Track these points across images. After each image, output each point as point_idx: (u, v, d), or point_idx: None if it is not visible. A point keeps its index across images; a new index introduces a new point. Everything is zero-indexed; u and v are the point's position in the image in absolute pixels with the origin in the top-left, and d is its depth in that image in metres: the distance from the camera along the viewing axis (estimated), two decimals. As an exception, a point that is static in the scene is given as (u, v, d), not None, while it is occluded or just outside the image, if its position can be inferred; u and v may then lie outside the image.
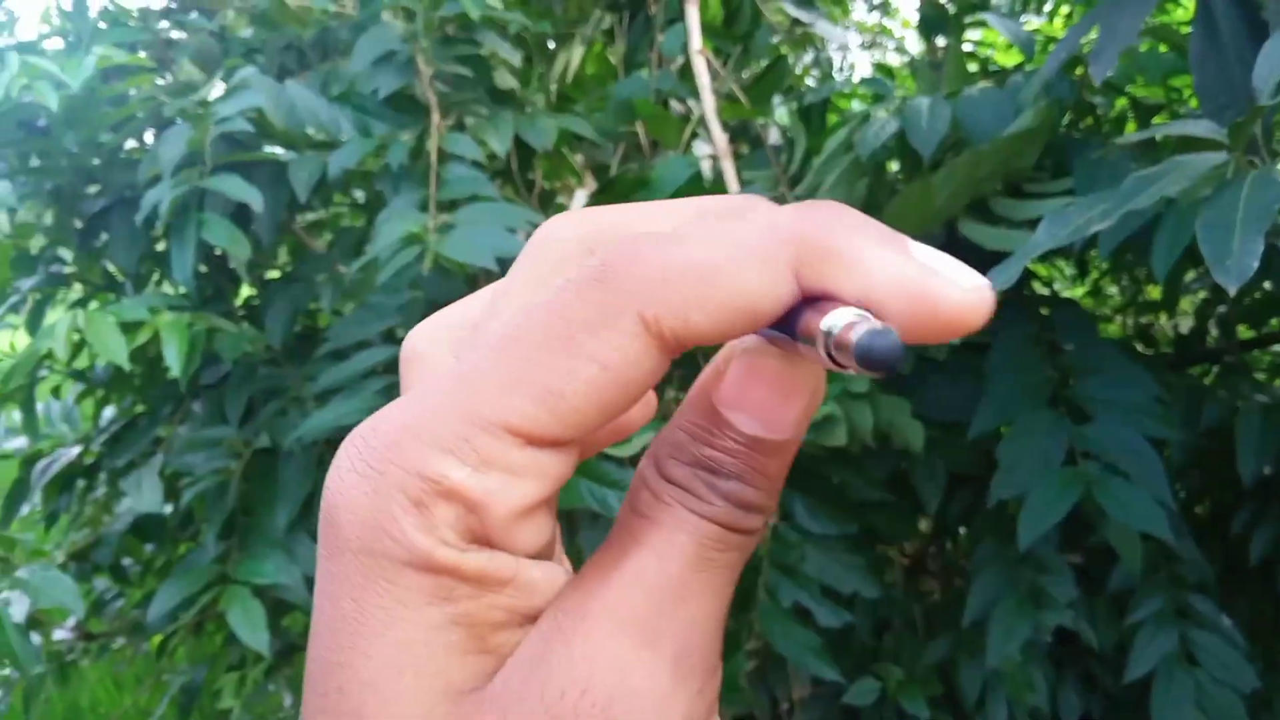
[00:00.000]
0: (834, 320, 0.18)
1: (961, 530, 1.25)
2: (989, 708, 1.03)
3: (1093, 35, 0.76)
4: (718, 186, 0.91)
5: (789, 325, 0.20)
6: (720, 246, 0.19)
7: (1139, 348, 1.23)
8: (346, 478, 0.20)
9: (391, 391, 0.83)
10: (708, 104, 0.89)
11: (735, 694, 0.96)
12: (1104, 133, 0.95)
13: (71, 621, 1.10)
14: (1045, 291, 1.10)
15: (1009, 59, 1.12)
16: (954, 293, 0.19)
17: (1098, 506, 0.81)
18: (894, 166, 0.96)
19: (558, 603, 0.21)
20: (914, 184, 0.77)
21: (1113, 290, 1.36)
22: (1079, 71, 0.86)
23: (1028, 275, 0.99)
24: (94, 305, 0.82)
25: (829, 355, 0.18)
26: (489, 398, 0.20)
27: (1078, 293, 1.30)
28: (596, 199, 0.91)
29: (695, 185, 0.87)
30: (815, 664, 0.88)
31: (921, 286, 0.19)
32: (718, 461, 0.20)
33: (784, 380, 0.21)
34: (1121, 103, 1.01)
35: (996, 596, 0.93)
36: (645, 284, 0.19)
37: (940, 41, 1.03)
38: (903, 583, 1.21)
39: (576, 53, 1.04)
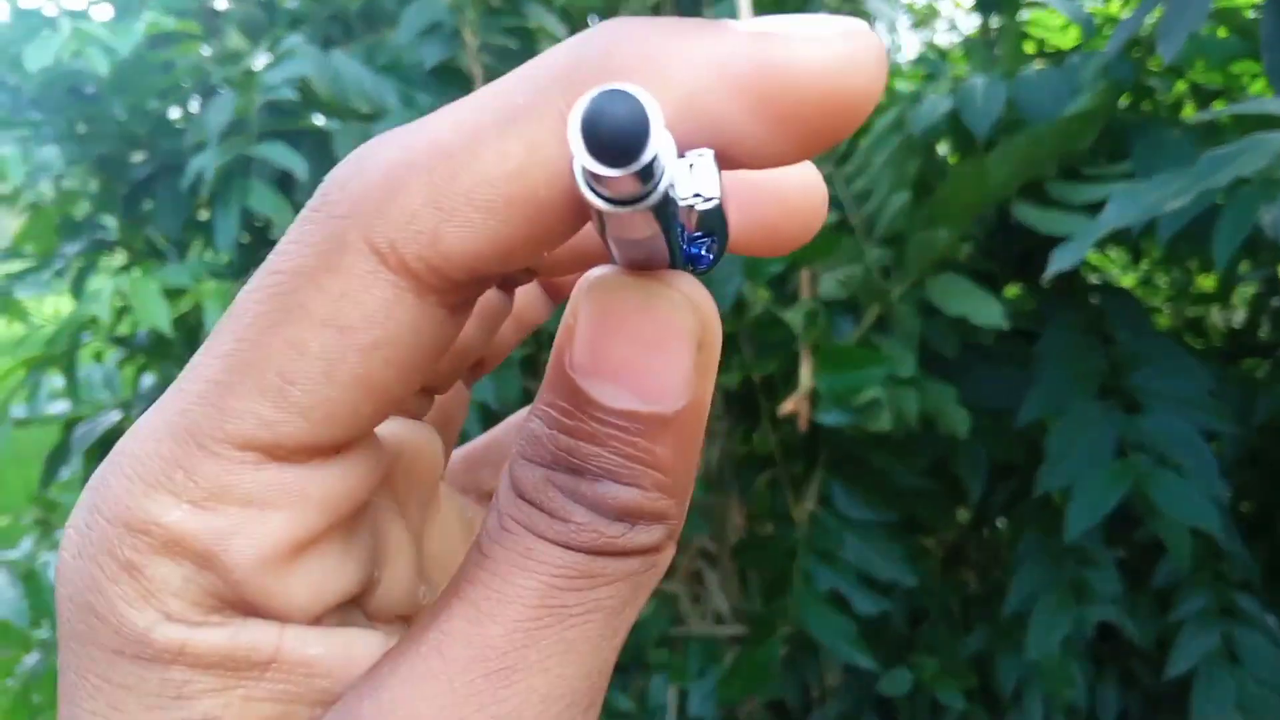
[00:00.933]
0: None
1: (1000, 521, 1.23)
2: (1025, 702, 1.01)
3: (1155, 16, 0.74)
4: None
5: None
6: (461, 121, 0.13)
7: (1190, 340, 1.21)
8: (67, 537, 0.15)
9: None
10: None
11: (767, 679, 0.95)
12: (1162, 117, 0.92)
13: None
14: (1096, 281, 1.08)
15: (1063, 40, 1.10)
16: (804, 48, 0.12)
17: (1147, 500, 0.79)
18: (941, 150, 0.94)
19: (356, 687, 0.15)
20: (967, 164, 0.75)
21: (1163, 282, 1.33)
22: (1135, 54, 0.83)
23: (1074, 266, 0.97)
24: (137, 272, 0.82)
25: (591, 190, 0.12)
26: (204, 402, 0.14)
27: (1128, 282, 1.28)
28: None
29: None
30: (850, 651, 0.87)
31: (755, 58, 0.12)
32: (581, 455, 0.14)
33: (654, 321, 0.14)
34: (1180, 87, 0.98)
35: (1038, 589, 0.92)
36: (369, 200, 0.13)
37: (994, 21, 1.01)
38: (940, 573, 1.19)
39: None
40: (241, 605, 0.14)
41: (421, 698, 0.14)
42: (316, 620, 0.15)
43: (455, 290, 0.14)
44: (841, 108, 0.12)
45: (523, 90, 0.13)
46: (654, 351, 0.14)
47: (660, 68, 0.12)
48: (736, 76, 0.12)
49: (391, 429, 0.18)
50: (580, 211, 0.13)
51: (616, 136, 0.11)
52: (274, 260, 0.14)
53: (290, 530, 0.14)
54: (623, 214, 0.12)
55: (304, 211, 0.14)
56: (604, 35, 0.13)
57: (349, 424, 0.14)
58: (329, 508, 0.15)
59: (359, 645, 0.15)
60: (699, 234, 0.15)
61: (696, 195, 0.13)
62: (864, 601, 0.88)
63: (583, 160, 0.12)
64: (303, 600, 0.15)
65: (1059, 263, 0.48)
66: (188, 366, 0.15)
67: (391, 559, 0.18)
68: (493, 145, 0.13)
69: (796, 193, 0.17)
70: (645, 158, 0.12)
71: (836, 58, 0.12)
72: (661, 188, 0.12)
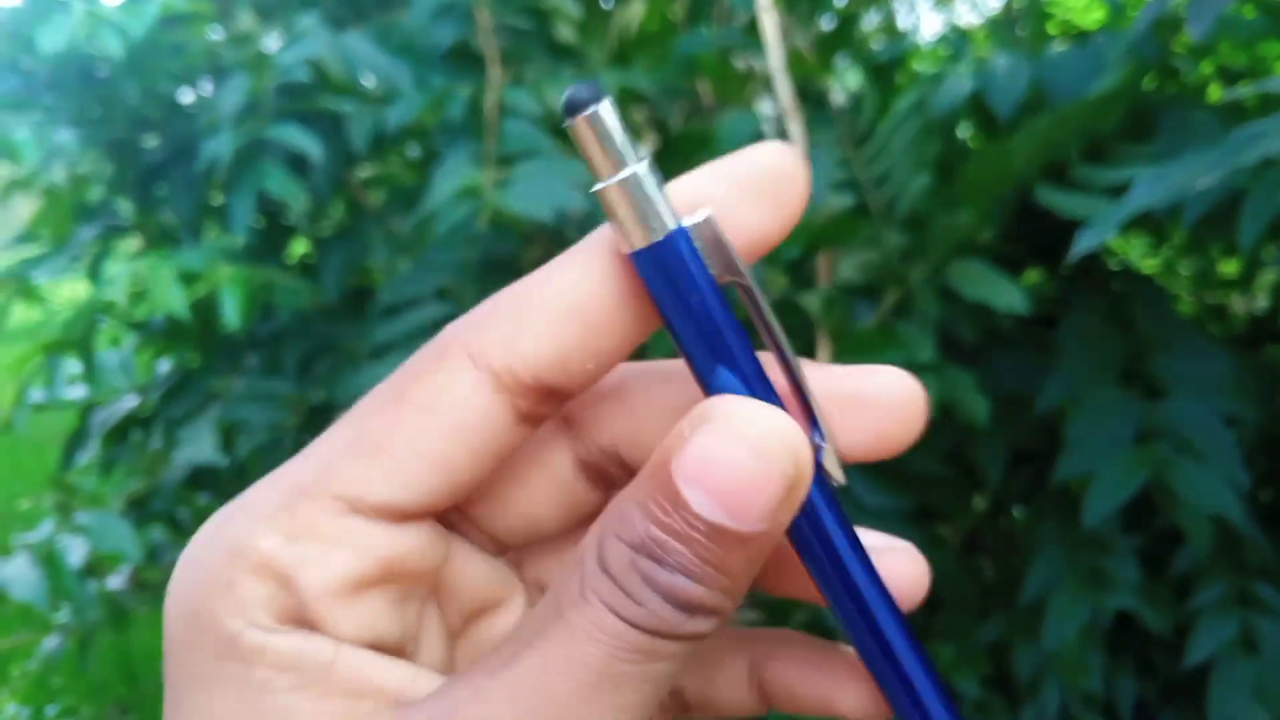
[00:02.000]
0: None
1: (1016, 510, 1.23)
2: (1042, 690, 1.01)
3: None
4: (781, 148, 0.88)
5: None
6: (543, 270, 0.19)
7: (1211, 327, 1.19)
8: (179, 565, 0.18)
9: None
10: (775, 61, 0.86)
11: (782, 665, 0.95)
12: (1187, 98, 0.91)
13: (126, 570, 1.12)
14: (1118, 267, 1.06)
15: (1088, 20, 1.08)
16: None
17: (1166, 487, 0.78)
18: (962, 132, 0.93)
19: (422, 703, 0.18)
20: (990, 146, 0.74)
21: (1184, 268, 1.32)
22: (1162, 34, 0.82)
23: (1100, 248, 0.96)
24: (152, 256, 0.82)
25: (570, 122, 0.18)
26: (319, 463, 0.18)
27: (1149, 269, 1.26)
28: (658, 157, 0.89)
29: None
30: (867, 638, 0.86)
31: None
32: (665, 547, 0.17)
33: (760, 458, 0.17)
34: (1206, 68, 0.97)
35: (1056, 577, 0.91)
36: (471, 326, 0.18)
37: (1017, 1, 0.99)
38: (956, 560, 1.19)
39: (637, 8, 1.01)
40: (307, 622, 0.18)
41: (485, 705, 0.17)
42: (374, 648, 0.19)
43: (524, 394, 0.18)
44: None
45: (585, 242, 0.19)
46: (758, 479, 0.17)
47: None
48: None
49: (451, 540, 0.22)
50: (620, 323, 0.18)
51: (573, 102, 0.17)
52: (397, 370, 0.19)
53: (352, 569, 0.18)
54: (575, 123, 0.17)
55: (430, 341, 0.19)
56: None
57: (423, 494, 0.18)
58: (386, 561, 0.18)
59: (404, 669, 0.18)
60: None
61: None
62: (880, 588, 0.87)
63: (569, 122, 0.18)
64: (349, 629, 0.18)
65: (1082, 244, 0.47)
66: (318, 438, 0.19)
67: (424, 645, 0.21)
68: (556, 276, 0.18)
69: (897, 399, 0.21)
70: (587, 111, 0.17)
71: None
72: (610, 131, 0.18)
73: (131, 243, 1.07)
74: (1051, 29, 0.95)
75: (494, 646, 0.20)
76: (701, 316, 0.18)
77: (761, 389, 0.19)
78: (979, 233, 0.79)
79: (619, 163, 0.18)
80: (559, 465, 0.22)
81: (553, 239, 0.94)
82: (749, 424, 0.17)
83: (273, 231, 0.99)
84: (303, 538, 0.18)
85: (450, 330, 0.19)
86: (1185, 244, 1.14)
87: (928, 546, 0.87)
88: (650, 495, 0.17)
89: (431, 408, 0.18)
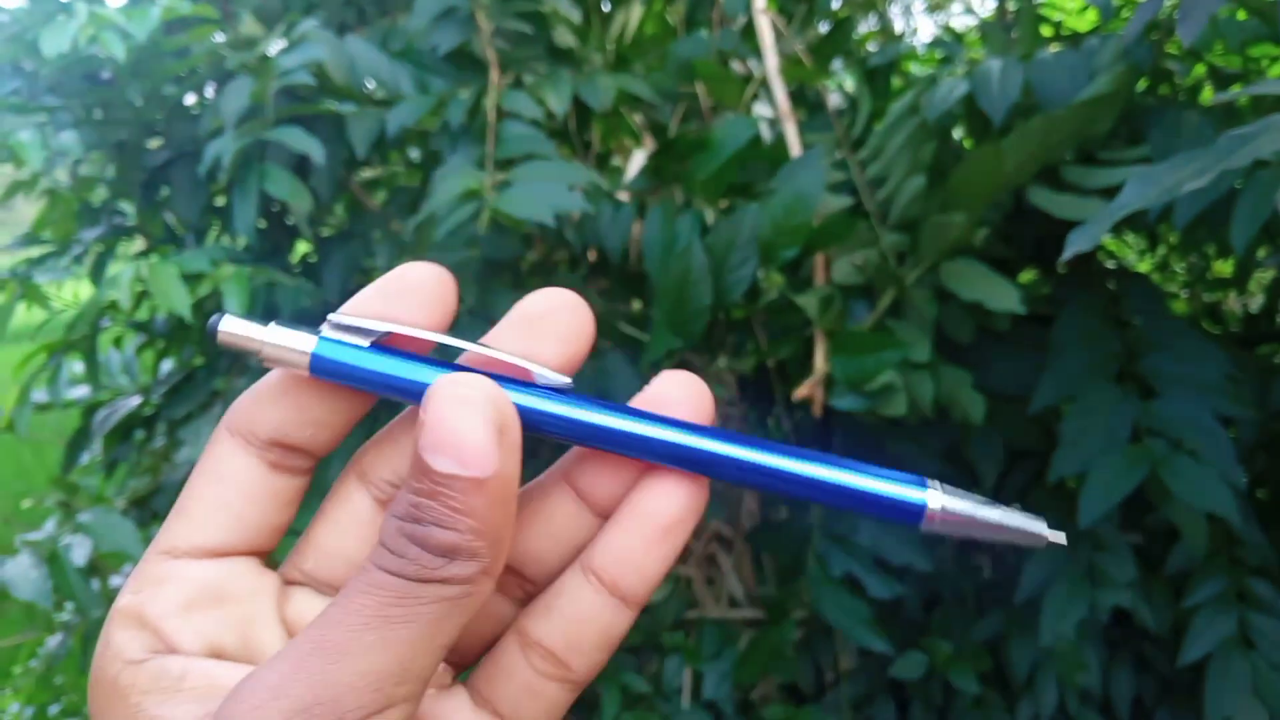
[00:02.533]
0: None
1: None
2: (1039, 686, 1.02)
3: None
4: (777, 149, 0.89)
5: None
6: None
7: (1206, 326, 1.20)
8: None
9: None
10: (771, 64, 0.87)
11: (781, 662, 0.95)
12: (1179, 100, 0.92)
13: (128, 568, 1.13)
14: (1112, 265, 1.07)
15: (1080, 24, 1.09)
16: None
17: (1162, 485, 0.79)
18: (957, 134, 0.94)
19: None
20: (983, 149, 0.75)
21: (1179, 267, 1.33)
22: (1153, 36, 0.83)
23: (1094, 247, 0.96)
24: (155, 257, 0.83)
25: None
26: (156, 537, 0.24)
27: (1144, 268, 1.27)
28: (655, 160, 0.90)
29: (754, 147, 0.86)
30: (865, 635, 0.87)
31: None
32: (421, 508, 0.21)
33: (465, 411, 0.21)
34: (1199, 70, 0.97)
35: (1052, 574, 0.92)
36: (230, 408, 0.25)
37: (1011, 4, 1.00)
38: (953, 558, 1.19)
39: (635, 12, 1.02)
40: (164, 646, 0.23)
41: (273, 670, 0.20)
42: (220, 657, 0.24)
43: (269, 449, 0.25)
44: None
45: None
46: (470, 431, 0.21)
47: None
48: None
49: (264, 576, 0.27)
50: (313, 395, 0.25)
51: (209, 328, 0.25)
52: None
53: (180, 596, 0.23)
54: (221, 341, 0.26)
55: None
56: None
57: (214, 532, 0.24)
58: (205, 585, 0.24)
59: (246, 672, 0.22)
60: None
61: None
62: (878, 585, 0.88)
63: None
64: (193, 641, 0.23)
65: (1076, 244, 0.48)
66: None
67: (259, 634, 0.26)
68: (268, 381, 0.25)
69: (559, 312, 0.27)
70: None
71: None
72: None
73: (134, 244, 1.08)
74: (1045, 32, 0.95)
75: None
76: (381, 378, 0.25)
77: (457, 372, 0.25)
78: (973, 233, 0.80)
79: (258, 342, 0.25)
80: (361, 509, 0.27)
81: (553, 241, 0.95)
82: (450, 390, 0.22)
83: (275, 232, 1.00)
84: (144, 587, 0.23)
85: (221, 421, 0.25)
86: (1180, 243, 1.14)
87: (925, 544, 0.87)
88: (412, 475, 0.21)
89: (207, 470, 0.24)
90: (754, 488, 0.25)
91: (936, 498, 0.24)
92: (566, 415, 0.25)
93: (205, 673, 0.22)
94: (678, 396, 0.26)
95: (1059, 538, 0.24)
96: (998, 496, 1.12)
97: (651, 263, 0.82)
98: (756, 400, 1.00)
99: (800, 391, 0.80)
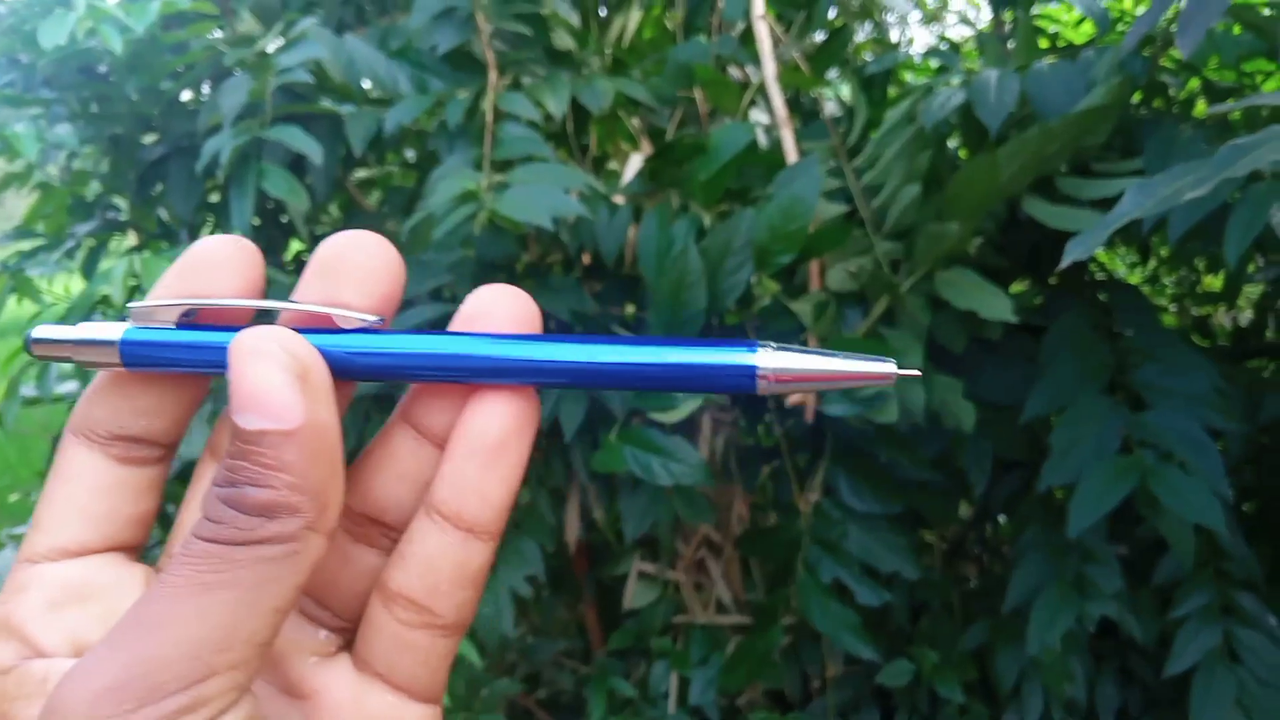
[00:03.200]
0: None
1: (1001, 517, 1.24)
2: (1024, 696, 1.02)
3: (1173, 12, 0.74)
4: (774, 155, 0.89)
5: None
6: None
7: (1195, 340, 1.21)
8: None
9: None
10: (769, 71, 0.87)
11: (768, 669, 0.95)
12: (1173, 114, 0.92)
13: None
14: (1103, 277, 1.08)
15: (1077, 36, 1.10)
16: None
17: (1151, 496, 0.79)
18: (952, 144, 0.94)
19: None
20: (979, 159, 0.75)
21: (1169, 280, 1.33)
22: (1149, 50, 0.83)
23: (1085, 259, 0.97)
24: (148, 253, 0.82)
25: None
26: (24, 541, 0.24)
27: (1134, 281, 1.28)
28: (652, 164, 0.90)
29: (752, 153, 0.86)
30: (853, 642, 0.87)
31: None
32: (235, 469, 0.20)
33: (263, 361, 0.21)
34: (1193, 84, 0.98)
35: (1040, 584, 0.92)
36: (73, 412, 0.25)
37: (1008, 16, 1.01)
38: (941, 566, 1.20)
39: (634, 16, 1.02)
40: (31, 651, 0.23)
41: (93, 652, 0.20)
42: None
43: (111, 444, 0.25)
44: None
45: None
46: (267, 382, 0.21)
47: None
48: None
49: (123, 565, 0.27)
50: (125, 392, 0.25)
51: (26, 340, 0.26)
52: None
53: (41, 597, 0.23)
54: (35, 354, 0.26)
55: None
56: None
57: (69, 534, 0.24)
58: (66, 586, 0.24)
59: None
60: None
61: None
62: (867, 593, 0.88)
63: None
64: (58, 640, 0.23)
65: (1074, 253, 0.48)
66: None
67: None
68: (98, 378, 0.25)
69: (357, 256, 0.26)
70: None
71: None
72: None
73: (126, 239, 1.07)
74: (1041, 44, 0.96)
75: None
76: (190, 353, 0.24)
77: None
78: (967, 242, 0.80)
79: (69, 344, 0.24)
80: None
81: (548, 243, 0.95)
82: (245, 345, 0.21)
83: (269, 230, 1.00)
84: (10, 595, 0.23)
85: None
86: (1171, 256, 1.15)
87: (913, 552, 0.87)
88: (229, 444, 0.21)
89: (58, 474, 0.24)
90: (586, 387, 0.24)
91: (768, 357, 0.23)
92: (374, 351, 0.24)
93: (60, 670, 0.22)
94: (496, 311, 0.25)
95: (911, 371, 0.23)
96: (986, 505, 1.13)
97: (647, 266, 0.82)
98: (748, 406, 1.00)
99: (793, 399, 0.81)
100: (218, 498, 0.21)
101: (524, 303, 0.25)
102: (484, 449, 0.24)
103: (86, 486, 0.24)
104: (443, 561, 0.24)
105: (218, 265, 0.24)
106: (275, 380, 0.20)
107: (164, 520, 1.08)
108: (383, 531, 0.26)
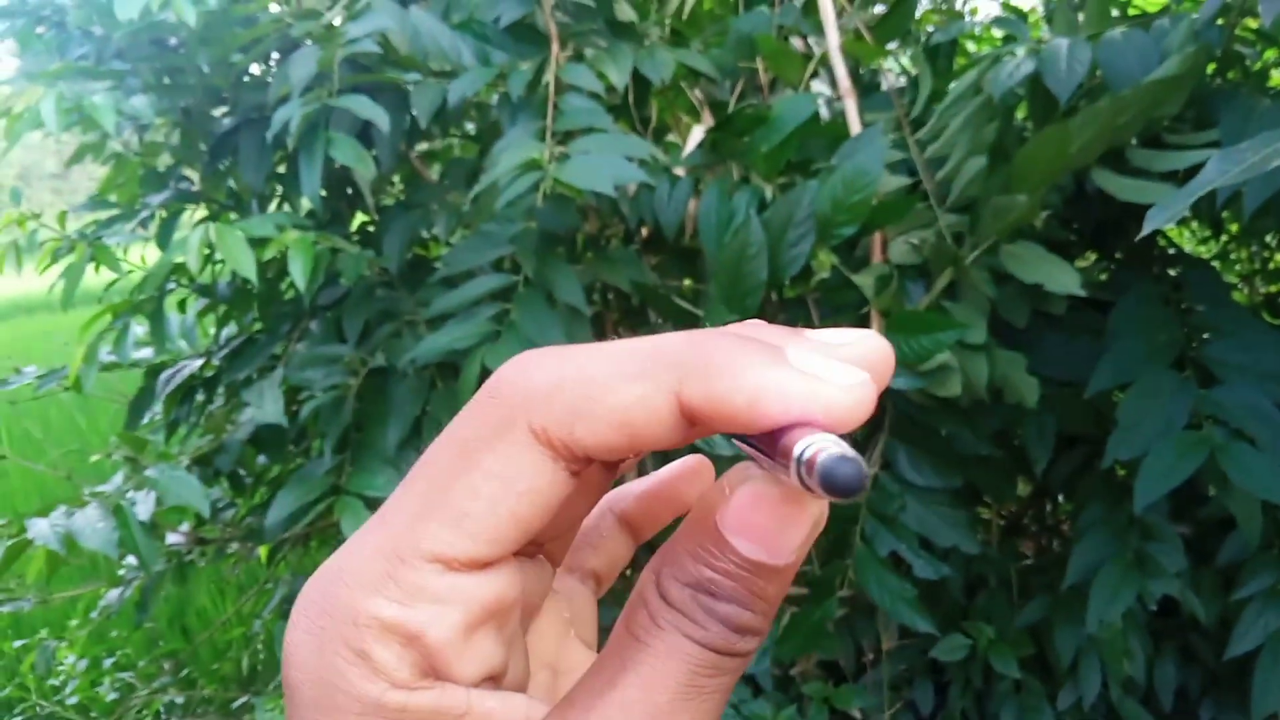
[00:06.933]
0: (804, 445, 0.19)
1: (1060, 496, 1.23)
2: (1081, 673, 1.01)
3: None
4: (836, 126, 0.89)
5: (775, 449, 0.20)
6: (602, 365, 0.21)
7: (1266, 317, 1.18)
8: (294, 637, 0.21)
9: (501, 319, 0.84)
10: (832, 41, 0.87)
11: (823, 640, 0.96)
12: (1250, 84, 0.90)
13: (185, 527, 1.16)
14: (1172, 252, 1.06)
15: (1150, 4, 1.07)
16: (835, 393, 0.20)
17: (1219, 472, 0.78)
18: (1020, 115, 0.93)
19: None
20: (1049, 129, 0.74)
21: (1239, 257, 1.30)
22: (1223, 20, 0.81)
23: (1155, 233, 0.95)
24: (220, 223, 0.85)
25: (800, 479, 0.19)
26: (405, 530, 0.21)
27: (1204, 256, 1.25)
28: (713, 135, 0.90)
29: (814, 124, 0.85)
30: (909, 615, 0.87)
31: (804, 395, 0.19)
32: (717, 584, 0.20)
33: (788, 508, 0.21)
34: (1270, 54, 0.96)
35: (1101, 561, 0.91)
36: (531, 398, 0.21)
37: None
38: (998, 543, 1.19)
39: (696, -13, 1.02)
40: (435, 674, 0.21)
41: None
42: (488, 680, 0.22)
43: (577, 463, 0.21)
44: (845, 427, 0.20)
45: (640, 357, 0.21)
46: (787, 525, 0.20)
47: (739, 384, 0.20)
48: (793, 405, 0.19)
49: (521, 563, 0.24)
50: (661, 438, 0.21)
51: (845, 489, 0.18)
52: (457, 428, 0.21)
53: (464, 619, 0.21)
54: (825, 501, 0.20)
55: (480, 395, 0.21)
56: (703, 342, 0.20)
57: (502, 547, 0.21)
58: (488, 605, 0.21)
59: (520, 703, 0.22)
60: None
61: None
62: (924, 566, 0.88)
63: (818, 493, 0.19)
64: (471, 670, 0.21)
65: (1154, 221, 0.47)
66: (389, 500, 0.22)
67: (516, 650, 0.24)
68: (620, 390, 0.20)
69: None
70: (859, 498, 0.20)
71: (855, 403, 0.19)
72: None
73: (199, 211, 1.10)
74: (1113, 11, 0.94)
75: (562, 671, 0.26)
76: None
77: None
78: (1034, 215, 0.79)
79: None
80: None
81: (608, 215, 0.96)
82: (778, 488, 0.21)
83: (335, 201, 1.02)
84: (417, 601, 0.21)
85: (503, 391, 0.21)
86: (1243, 232, 1.12)
87: (971, 528, 0.87)
88: (699, 544, 0.21)
89: (502, 475, 0.21)
90: None
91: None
92: None
93: (486, 713, 0.21)
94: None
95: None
96: (1045, 482, 1.11)
97: (707, 238, 0.83)
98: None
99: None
100: (699, 604, 0.21)
101: None
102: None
103: (535, 504, 0.21)
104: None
105: None
106: (801, 526, 0.21)
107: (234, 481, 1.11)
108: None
